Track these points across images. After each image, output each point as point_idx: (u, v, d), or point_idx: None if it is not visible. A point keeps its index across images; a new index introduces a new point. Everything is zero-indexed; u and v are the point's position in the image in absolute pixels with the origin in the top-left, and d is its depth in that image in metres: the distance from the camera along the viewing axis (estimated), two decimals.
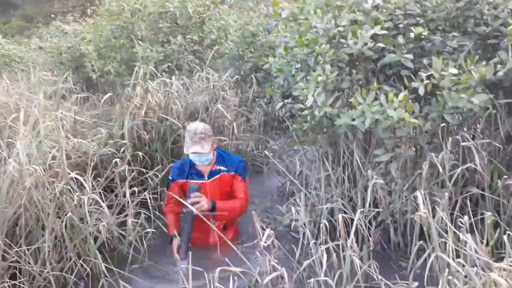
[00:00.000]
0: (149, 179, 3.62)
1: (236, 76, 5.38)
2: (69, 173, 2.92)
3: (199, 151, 2.81)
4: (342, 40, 2.87)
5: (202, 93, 4.54)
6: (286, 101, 3.80)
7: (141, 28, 5.59)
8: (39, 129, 3.32)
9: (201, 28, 6.06)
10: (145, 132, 3.93)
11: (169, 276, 3.00)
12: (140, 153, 3.70)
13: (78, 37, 9.01)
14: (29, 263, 2.95)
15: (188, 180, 3.03)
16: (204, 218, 2.67)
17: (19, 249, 2.94)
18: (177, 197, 2.95)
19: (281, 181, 4.42)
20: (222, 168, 3.02)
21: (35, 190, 2.85)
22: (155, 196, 3.77)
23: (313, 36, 3.02)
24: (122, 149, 3.77)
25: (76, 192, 3.04)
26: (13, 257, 2.92)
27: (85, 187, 3.12)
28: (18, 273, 2.97)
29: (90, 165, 3.43)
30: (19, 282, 2.90)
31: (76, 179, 3.12)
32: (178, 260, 2.84)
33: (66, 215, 3.00)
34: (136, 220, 3.22)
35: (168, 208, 3.14)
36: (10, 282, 2.86)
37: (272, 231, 2.18)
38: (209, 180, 3.03)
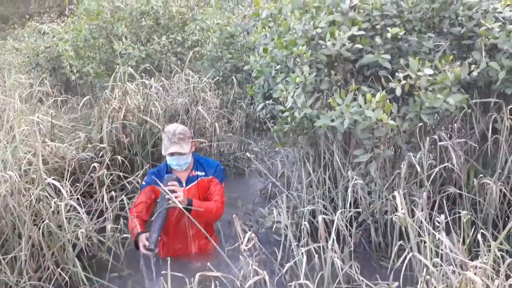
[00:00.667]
0: (127, 184, 3.56)
1: (217, 78, 5.36)
2: (46, 179, 2.84)
3: (178, 150, 2.70)
4: (321, 42, 2.88)
5: (182, 95, 4.50)
6: (267, 102, 3.81)
7: (121, 26, 5.49)
8: (14, 134, 3.22)
9: (182, 29, 6.01)
10: (124, 136, 3.87)
11: (148, 285, 2.96)
12: (119, 157, 3.64)
13: (56, 37, 8.82)
14: (5, 273, 2.87)
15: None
16: (180, 206, 2.47)
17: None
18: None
19: (263, 183, 4.41)
20: (199, 173, 2.90)
21: (10, 197, 2.77)
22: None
23: (292, 37, 3.02)
24: (101, 153, 3.70)
25: (54, 198, 2.97)
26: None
27: (62, 193, 3.05)
28: None
29: (68, 170, 3.37)
30: None
31: (54, 185, 3.05)
32: (145, 249, 2.64)
33: (43, 222, 2.93)
34: (115, 226, 3.16)
35: (135, 213, 2.85)
36: None
37: (253, 234, 2.17)
38: (187, 187, 2.88)
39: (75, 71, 6.10)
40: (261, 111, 3.89)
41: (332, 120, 2.73)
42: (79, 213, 3.09)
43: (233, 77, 5.40)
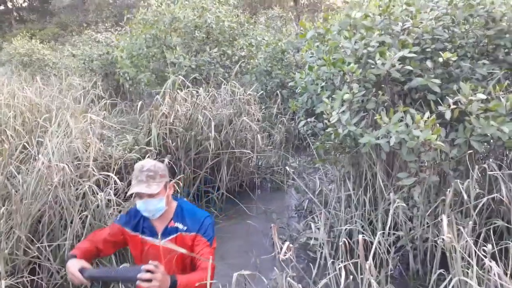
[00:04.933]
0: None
1: (261, 92, 5.45)
2: (95, 174, 2.98)
3: (143, 191, 1.95)
4: (370, 61, 2.89)
5: (227, 106, 4.61)
6: (309, 119, 3.83)
7: (175, 37, 5.75)
8: (70, 129, 3.42)
9: (232, 43, 6.21)
10: (170, 141, 4.00)
11: None
12: (167, 160, 3.76)
13: (110, 45, 9.32)
14: (48, 259, 3.02)
15: (141, 235, 2.15)
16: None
17: (41, 245, 3.02)
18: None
19: (299, 199, 4.40)
20: (180, 226, 2.14)
21: (61, 188, 2.92)
22: None
23: (341, 55, 3.05)
24: (147, 155, 3.84)
25: (98, 193, 3.10)
26: (34, 253, 3.00)
27: (105, 190, 3.19)
28: (37, 269, 3.04)
29: (114, 169, 3.53)
30: (38, 278, 2.97)
31: (99, 181, 3.20)
32: (79, 281, 1.91)
33: (87, 215, 3.07)
34: None
35: (97, 236, 2.24)
36: (29, 277, 2.92)
37: (291, 245, 2.16)
38: (163, 240, 2.15)
39: (128, 78, 6.40)
40: (303, 127, 3.92)
41: (377, 139, 2.70)
42: (120, 211, 3.22)
43: (278, 92, 5.47)
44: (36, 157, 3.46)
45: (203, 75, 5.66)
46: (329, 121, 3.08)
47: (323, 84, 3.38)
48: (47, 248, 2.99)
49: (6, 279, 2.76)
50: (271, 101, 5.63)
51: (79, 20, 26.84)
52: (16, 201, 3.09)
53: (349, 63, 2.91)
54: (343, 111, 2.88)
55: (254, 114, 4.61)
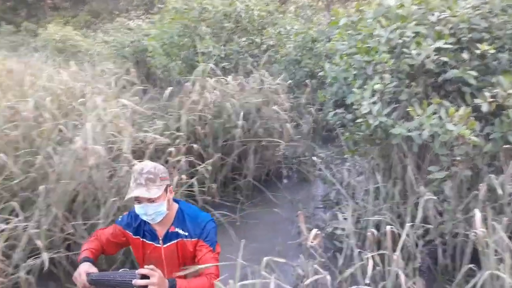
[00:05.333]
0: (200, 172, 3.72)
1: (290, 81, 5.43)
2: (128, 156, 3.07)
3: (142, 195, 1.86)
4: (405, 50, 2.83)
5: (255, 94, 4.63)
6: (338, 110, 3.80)
7: (204, 26, 5.79)
8: (104, 113, 3.52)
9: (260, 32, 6.20)
10: (199, 127, 4.07)
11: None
12: (195, 146, 3.83)
13: (141, 32, 9.46)
14: (83, 237, 3.15)
15: (142, 239, 2.08)
16: None
17: (75, 223, 3.15)
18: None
19: (326, 190, 4.40)
20: (181, 232, 2.05)
21: (96, 169, 3.03)
22: (203, 188, 3.90)
23: (375, 44, 3.00)
24: (177, 141, 3.92)
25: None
26: (70, 230, 3.13)
27: None
28: (72, 246, 3.18)
29: (146, 154, 3.62)
30: (74, 254, 3.10)
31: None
32: (80, 283, 1.89)
33: (120, 197, 3.17)
34: None
35: (99, 235, 2.17)
36: (64, 253, 3.06)
37: (319, 232, 2.18)
38: (164, 245, 2.06)
39: (160, 66, 6.50)
40: (332, 118, 3.89)
41: (409, 131, 2.66)
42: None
43: (308, 81, 5.44)
44: (72, 140, 3.60)
45: (232, 64, 5.68)
46: (359, 111, 3.05)
47: (355, 73, 3.34)
48: (82, 225, 3.12)
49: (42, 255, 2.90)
50: (299, 90, 5.61)
51: (110, 8, 27.29)
52: (53, 180, 3.24)
53: (382, 53, 2.86)
54: (374, 102, 2.85)
55: (282, 103, 4.61)
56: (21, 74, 6.23)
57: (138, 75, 8.37)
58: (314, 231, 2.19)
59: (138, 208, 1.92)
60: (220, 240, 2.87)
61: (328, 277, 2.10)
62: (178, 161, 3.68)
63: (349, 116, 3.42)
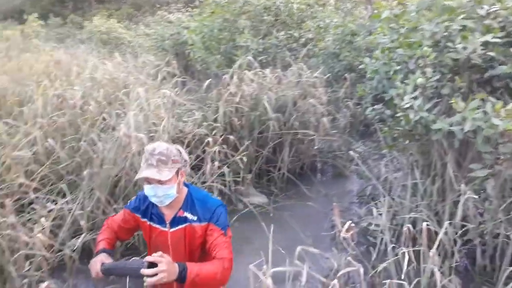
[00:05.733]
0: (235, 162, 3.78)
1: (328, 75, 5.38)
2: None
3: (153, 176, 1.81)
4: (450, 44, 2.75)
5: (293, 88, 4.63)
6: (376, 105, 3.74)
7: (244, 19, 5.84)
8: (146, 103, 3.65)
9: (299, 26, 6.17)
10: (236, 119, 4.13)
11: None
12: (231, 137, 3.90)
13: (181, 25, 9.65)
14: None
15: (149, 222, 2.03)
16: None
17: (117, 206, 3.30)
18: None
19: (362, 185, 4.35)
20: (189, 216, 1.97)
21: (138, 156, 3.15)
22: (237, 179, 3.96)
23: (419, 37, 2.93)
24: (214, 131, 4.00)
25: None
26: (111, 213, 3.28)
27: None
28: None
29: (184, 143, 3.73)
30: None
31: None
32: (94, 272, 1.88)
33: None
34: (219, 198, 3.41)
35: (111, 223, 2.16)
36: None
37: (353, 224, 2.17)
38: (171, 230, 2.00)
39: (199, 59, 6.62)
40: (370, 113, 3.83)
41: (451, 126, 2.59)
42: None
43: (346, 75, 5.37)
44: (115, 127, 3.76)
45: (270, 57, 5.70)
46: (400, 106, 2.99)
47: (396, 67, 3.27)
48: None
49: (86, 234, 3.07)
50: (337, 84, 5.55)
51: (152, 1, 27.92)
52: (97, 165, 3.40)
53: (425, 46, 2.79)
54: (416, 97, 2.79)
55: (319, 97, 4.58)
56: (68, 65, 6.55)
57: (177, 67, 8.57)
58: (348, 223, 2.19)
59: (147, 189, 1.87)
60: (253, 231, 2.95)
61: (361, 270, 2.09)
62: (215, 151, 3.76)
63: (388, 111, 3.36)
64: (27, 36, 14.98)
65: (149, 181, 1.84)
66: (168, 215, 1.99)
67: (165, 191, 1.85)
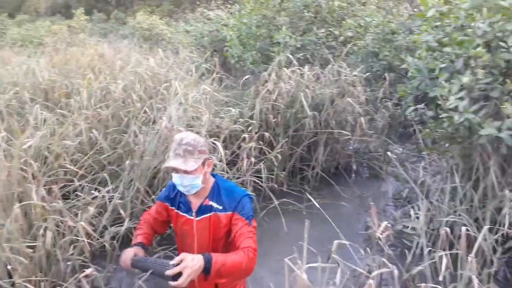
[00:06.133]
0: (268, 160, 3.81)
1: (368, 74, 5.30)
2: (207, 138, 3.25)
3: (178, 166, 1.85)
4: (502, 44, 2.64)
5: (331, 86, 4.60)
6: (418, 106, 3.66)
7: (283, 16, 5.85)
8: (185, 98, 3.74)
9: (339, 23, 6.10)
10: (271, 116, 4.16)
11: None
12: (267, 134, 3.93)
13: (220, 23, 9.78)
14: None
15: (176, 210, 2.08)
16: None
17: (155, 197, 3.41)
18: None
19: (397, 188, 4.27)
20: (214, 205, 2.01)
21: None
22: (271, 176, 3.99)
23: (471, 37, 2.82)
24: (249, 128, 4.04)
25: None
26: (150, 204, 3.40)
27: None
28: None
29: (221, 138, 3.79)
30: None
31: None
32: (124, 262, 1.92)
33: None
34: (253, 194, 3.46)
35: (147, 217, 2.22)
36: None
37: (389, 224, 2.14)
38: (197, 218, 2.03)
39: (235, 56, 6.69)
40: (410, 113, 3.75)
41: (499, 130, 2.50)
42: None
43: (386, 75, 5.26)
44: (156, 121, 3.89)
45: (308, 54, 5.68)
46: (443, 107, 2.91)
47: (442, 66, 3.17)
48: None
49: (126, 222, 3.19)
50: (377, 84, 5.45)
51: None
52: (137, 157, 3.53)
53: (477, 46, 2.69)
54: (461, 97, 2.70)
55: (357, 96, 4.53)
56: (111, 59, 6.81)
57: (214, 64, 8.70)
58: (385, 223, 2.16)
59: (175, 177, 1.93)
60: (284, 227, 2.94)
61: (396, 272, 2.07)
62: (250, 147, 3.81)
63: (430, 113, 3.28)
64: (74, 30, 15.67)
65: (176, 170, 1.88)
66: (195, 203, 2.03)
67: (191, 181, 1.90)
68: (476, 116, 2.65)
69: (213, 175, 2.07)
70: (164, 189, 2.18)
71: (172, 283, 1.65)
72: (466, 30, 2.86)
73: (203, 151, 1.93)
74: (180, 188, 1.96)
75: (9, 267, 2.21)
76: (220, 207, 2.00)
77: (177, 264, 1.65)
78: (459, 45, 2.85)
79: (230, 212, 1.98)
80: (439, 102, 2.93)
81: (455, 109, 2.72)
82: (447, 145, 3.21)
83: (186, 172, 1.86)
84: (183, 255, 1.70)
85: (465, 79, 2.64)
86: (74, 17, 17.47)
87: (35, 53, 9.09)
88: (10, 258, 2.25)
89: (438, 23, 3.36)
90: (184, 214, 2.04)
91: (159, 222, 2.16)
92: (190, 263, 1.66)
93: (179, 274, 1.64)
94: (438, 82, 3.05)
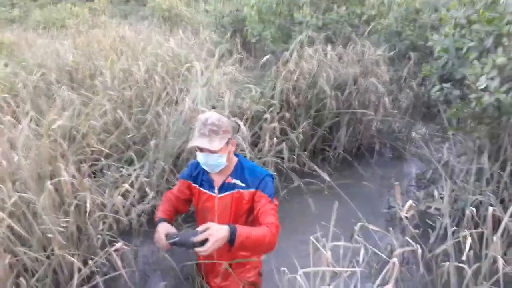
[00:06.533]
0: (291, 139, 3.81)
1: (392, 53, 5.19)
2: (230, 118, 3.28)
3: (204, 145, 1.88)
4: None
5: (354, 65, 4.53)
6: (444, 85, 3.57)
7: None
8: (207, 79, 3.76)
9: (362, 3, 5.95)
10: (293, 96, 4.14)
11: None
12: (287, 114, 3.93)
13: (241, 3, 9.66)
14: None
15: (199, 187, 2.12)
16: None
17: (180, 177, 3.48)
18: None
19: (420, 168, 4.23)
20: (238, 183, 2.03)
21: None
22: (293, 156, 4.00)
23: (499, 12, 2.73)
24: (271, 108, 4.04)
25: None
26: (175, 182, 3.47)
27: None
28: None
29: (242, 118, 3.81)
30: None
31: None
32: (162, 245, 1.91)
33: None
34: (275, 173, 3.49)
35: (169, 195, 2.25)
36: None
37: (414, 203, 2.14)
38: (219, 195, 2.06)
39: (255, 34, 6.63)
40: (435, 93, 3.67)
41: None
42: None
43: (411, 54, 5.14)
44: (178, 101, 3.93)
45: (330, 33, 5.58)
46: (471, 87, 2.84)
47: (471, 44, 3.07)
48: None
49: (152, 199, 3.28)
50: (400, 63, 5.34)
51: None
52: (161, 137, 3.59)
53: (508, 23, 2.60)
54: (492, 77, 2.62)
55: (381, 76, 4.45)
56: (132, 40, 6.86)
57: (235, 44, 8.65)
58: (409, 202, 2.15)
59: (199, 156, 1.97)
60: (307, 206, 2.95)
61: (419, 251, 2.08)
62: (273, 128, 3.82)
63: (456, 92, 3.21)
64: (95, 12, 15.78)
65: (201, 149, 1.94)
66: (217, 181, 2.08)
67: (216, 160, 1.95)
68: (507, 96, 2.58)
69: (236, 155, 2.11)
70: (186, 168, 2.23)
71: (198, 249, 1.70)
72: (496, 6, 2.75)
73: (227, 131, 1.97)
74: (205, 167, 2.01)
75: (50, 235, 2.31)
76: (243, 185, 2.04)
77: (204, 232, 1.70)
78: (488, 22, 2.75)
79: (253, 190, 2.02)
80: (467, 82, 2.86)
81: (485, 88, 2.65)
82: (473, 125, 3.14)
83: (211, 151, 1.91)
84: (209, 224, 1.75)
85: (500, 59, 2.56)
86: None
87: (58, 35, 9.24)
88: (47, 230, 2.35)
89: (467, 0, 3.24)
90: (207, 191, 2.09)
91: (181, 200, 2.20)
92: (216, 232, 1.71)
93: (205, 241, 1.69)
94: (466, 62, 2.96)
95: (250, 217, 2.07)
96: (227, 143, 1.97)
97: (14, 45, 8.11)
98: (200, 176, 2.12)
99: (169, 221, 2.08)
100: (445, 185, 2.90)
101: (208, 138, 1.91)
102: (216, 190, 2.07)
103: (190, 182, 2.15)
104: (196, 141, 1.92)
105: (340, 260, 2.08)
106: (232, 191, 2.05)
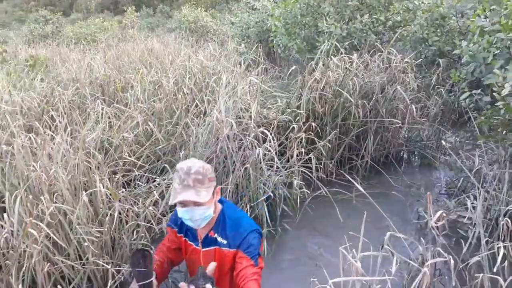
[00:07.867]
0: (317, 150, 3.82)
1: (419, 60, 5.14)
2: (255, 129, 3.33)
3: (192, 199, 1.66)
4: None
5: (380, 73, 4.51)
6: (474, 91, 3.52)
7: (328, 5, 5.77)
8: (234, 90, 3.84)
9: (387, 8, 5.93)
10: (319, 105, 4.16)
11: None
12: (313, 124, 3.95)
13: (266, 13, 9.80)
14: None
15: (184, 237, 1.96)
16: None
17: None
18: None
19: (451, 177, 4.14)
20: (219, 239, 1.83)
21: (227, 140, 3.35)
22: (319, 165, 4.01)
23: None
24: (297, 118, 4.08)
25: (256, 148, 3.46)
26: None
27: (262, 146, 3.54)
28: None
29: (269, 128, 3.86)
30: None
31: (257, 137, 3.55)
32: None
33: (246, 167, 3.47)
34: (301, 182, 3.51)
35: (160, 246, 2.08)
36: None
37: (444, 214, 2.12)
38: (203, 249, 1.89)
39: (281, 45, 6.71)
40: (465, 100, 3.62)
41: None
42: (271, 167, 3.55)
43: (439, 60, 5.07)
44: (206, 113, 4.03)
45: (354, 42, 5.58)
46: (499, 94, 2.80)
47: (497, 52, 3.05)
48: None
49: None
50: (429, 70, 5.27)
51: None
52: (191, 147, 3.68)
53: None
54: None
55: (409, 83, 4.41)
56: (161, 53, 7.06)
57: (259, 54, 8.77)
58: (440, 212, 2.13)
59: (182, 212, 1.72)
60: (336, 216, 2.95)
61: (452, 262, 2.05)
62: (299, 138, 3.85)
63: (487, 98, 3.15)
64: (124, 26, 16.32)
65: (184, 203, 1.70)
66: (201, 233, 1.89)
67: (202, 213, 1.72)
68: None
69: (221, 201, 1.91)
70: (172, 213, 2.04)
71: None
72: None
73: (213, 178, 1.78)
74: (189, 223, 1.77)
75: (85, 244, 2.41)
76: (225, 242, 1.84)
77: None
78: (510, 30, 2.72)
79: (234, 249, 1.81)
80: (494, 89, 2.82)
81: (510, 95, 2.60)
82: (504, 132, 3.08)
83: (196, 204, 1.69)
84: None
85: None
86: (125, 14, 18.16)
87: (89, 50, 9.60)
88: (82, 239, 2.46)
89: (494, 6, 3.20)
90: (192, 243, 1.93)
91: (172, 250, 2.02)
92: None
93: None
94: (492, 68, 2.92)
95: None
96: (213, 192, 1.75)
97: (49, 60, 8.50)
98: (184, 225, 1.91)
99: (157, 276, 1.87)
100: (478, 194, 2.85)
101: (194, 190, 1.68)
102: (199, 243, 1.89)
103: (175, 230, 1.97)
104: (180, 195, 1.67)
105: (369, 270, 2.08)
106: (214, 247, 1.86)
